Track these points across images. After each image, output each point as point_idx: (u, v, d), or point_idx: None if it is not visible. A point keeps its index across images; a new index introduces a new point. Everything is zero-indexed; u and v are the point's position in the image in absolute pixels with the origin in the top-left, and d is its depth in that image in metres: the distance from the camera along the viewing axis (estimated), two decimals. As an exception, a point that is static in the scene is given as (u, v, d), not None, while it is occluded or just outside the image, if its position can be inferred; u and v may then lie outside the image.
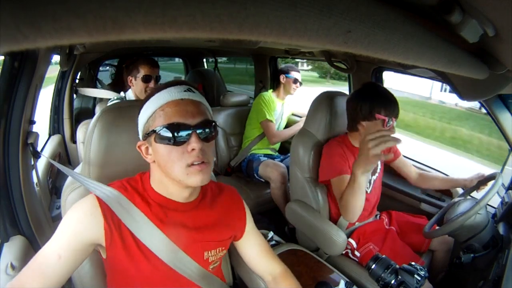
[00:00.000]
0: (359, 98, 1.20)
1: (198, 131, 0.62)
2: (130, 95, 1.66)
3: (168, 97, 0.62)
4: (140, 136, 0.68)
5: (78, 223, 0.62)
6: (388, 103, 1.15)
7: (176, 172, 0.62)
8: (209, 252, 0.74)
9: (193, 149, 0.61)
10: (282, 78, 2.16)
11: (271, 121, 2.07)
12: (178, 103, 0.62)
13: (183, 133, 0.61)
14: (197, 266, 0.71)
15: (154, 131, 0.62)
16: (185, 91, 0.63)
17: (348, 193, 1.06)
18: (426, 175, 1.45)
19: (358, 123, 1.21)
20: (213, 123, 0.65)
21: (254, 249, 0.84)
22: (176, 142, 0.61)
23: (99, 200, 0.65)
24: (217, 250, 0.76)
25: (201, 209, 0.74)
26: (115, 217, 0.64)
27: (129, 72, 1.59)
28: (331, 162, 1.22)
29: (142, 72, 1.55)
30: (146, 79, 1.56)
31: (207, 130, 0.63)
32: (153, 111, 0.63)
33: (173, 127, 0.60)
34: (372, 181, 1.32)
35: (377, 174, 1.34)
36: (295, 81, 2.14)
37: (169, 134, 0.60)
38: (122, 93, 1.72)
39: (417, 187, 1.53)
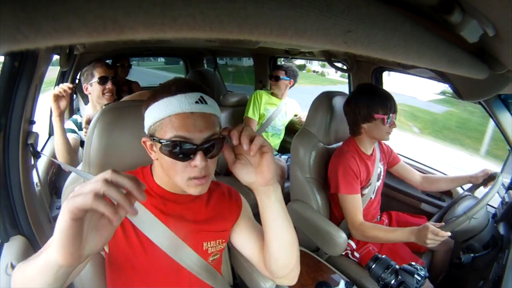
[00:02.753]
0: (356, 101, 1.22)
1: (204, 149, 0.60)
2: (86, 111, 1.55)
3: (178, 109, 0.59)
4: (146, 132, 0.66)
5: None
6: (384, 101, 1.16)
7: (178, 181, 0.63)
8: (208, 243, 0.75)
9: (196, 165, 0.60)
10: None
11: (252, 119, 2.09)
12: (187, 116, 0.59)
13: (188, 151, 0.59)
14: (197, 256, 0.73)
15: (160, 141, 0.60)
16: (196, 102, 0.60)
17: (386, 235, 1.15)
18: (431, 178, 1.41)
19: (360, 126, 1.22)
20: (220, 137, 0.62)
21: (252, 234, 0.78)
22: (180, 158, 0.60)
23: None
24: (216, 242, 0.76)
25: (198, 203, 0.75)
26: None
27: (84, 80, 1.51)
28: (344, 177, 1.20)
29: (97, 75, 1.48)
30: (102, 81, 1.49)
31: (212, 148, 0.61)
32: (160, 117, 0.60)
33: (179, 143, 0.59)
34: (376, 187, 1.32)
35: (380, 180, 1.34)
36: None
37: (175, 150, 0.59)
38: (77, 116, 1.54)
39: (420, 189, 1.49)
